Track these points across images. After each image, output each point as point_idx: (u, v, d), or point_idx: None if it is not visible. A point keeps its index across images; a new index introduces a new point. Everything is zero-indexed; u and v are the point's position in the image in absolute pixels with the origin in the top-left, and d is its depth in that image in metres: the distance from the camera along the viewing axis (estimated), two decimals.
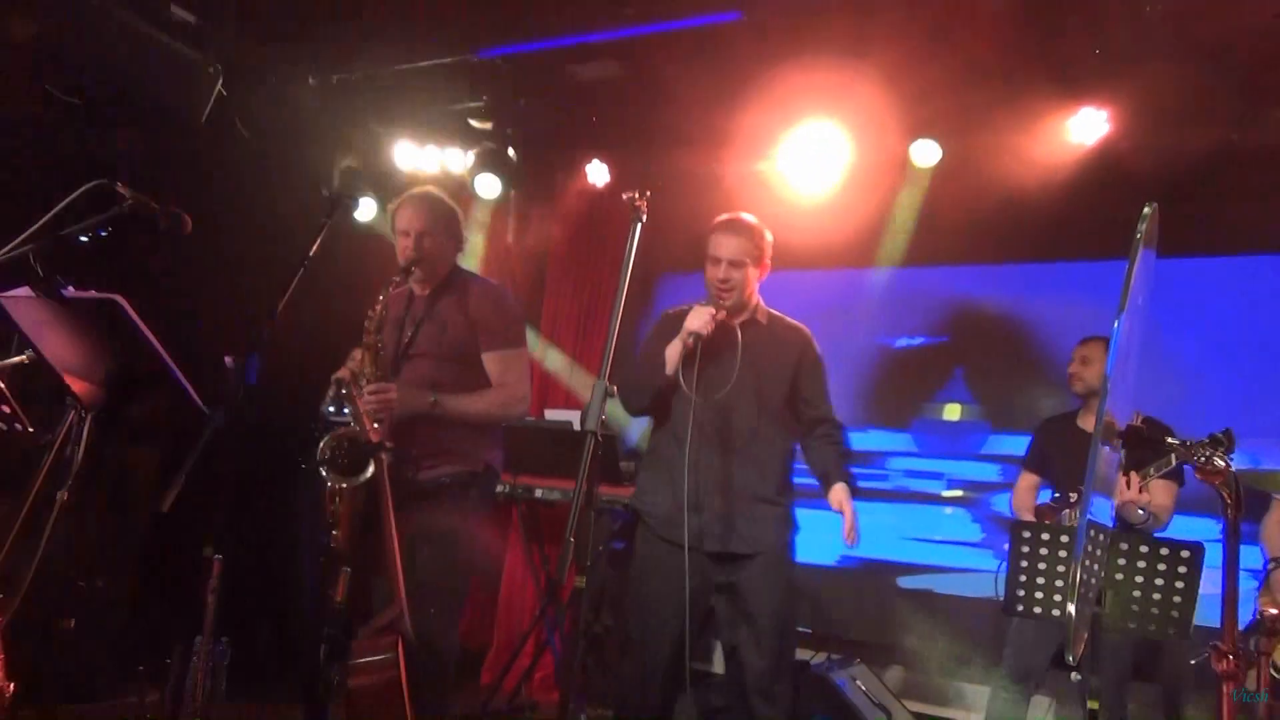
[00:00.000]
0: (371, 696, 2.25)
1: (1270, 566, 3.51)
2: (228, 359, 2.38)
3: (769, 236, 3.12)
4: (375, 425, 2.58)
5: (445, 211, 3.10)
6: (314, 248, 2.49)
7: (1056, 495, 3.89)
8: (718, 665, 5.39)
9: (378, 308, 2.87)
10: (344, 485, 2.60)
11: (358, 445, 2.63)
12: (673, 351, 2.95)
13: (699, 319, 2.94)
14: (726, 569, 2.94)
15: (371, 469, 2.65)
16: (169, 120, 4.47)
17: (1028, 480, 4.07)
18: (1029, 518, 3.88)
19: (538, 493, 4.59)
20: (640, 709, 2.88)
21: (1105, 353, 3.86)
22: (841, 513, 2.94)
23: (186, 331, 2.91)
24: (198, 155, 4.62)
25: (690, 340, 2.91)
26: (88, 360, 2.33)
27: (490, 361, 2.96)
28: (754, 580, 2.93)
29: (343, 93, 5.15)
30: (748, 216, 3.15)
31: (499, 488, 4.34)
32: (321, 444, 2.63)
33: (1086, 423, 3.92)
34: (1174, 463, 3.35)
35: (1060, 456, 3.93)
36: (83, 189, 2.39)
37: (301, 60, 4.98)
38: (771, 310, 3.19)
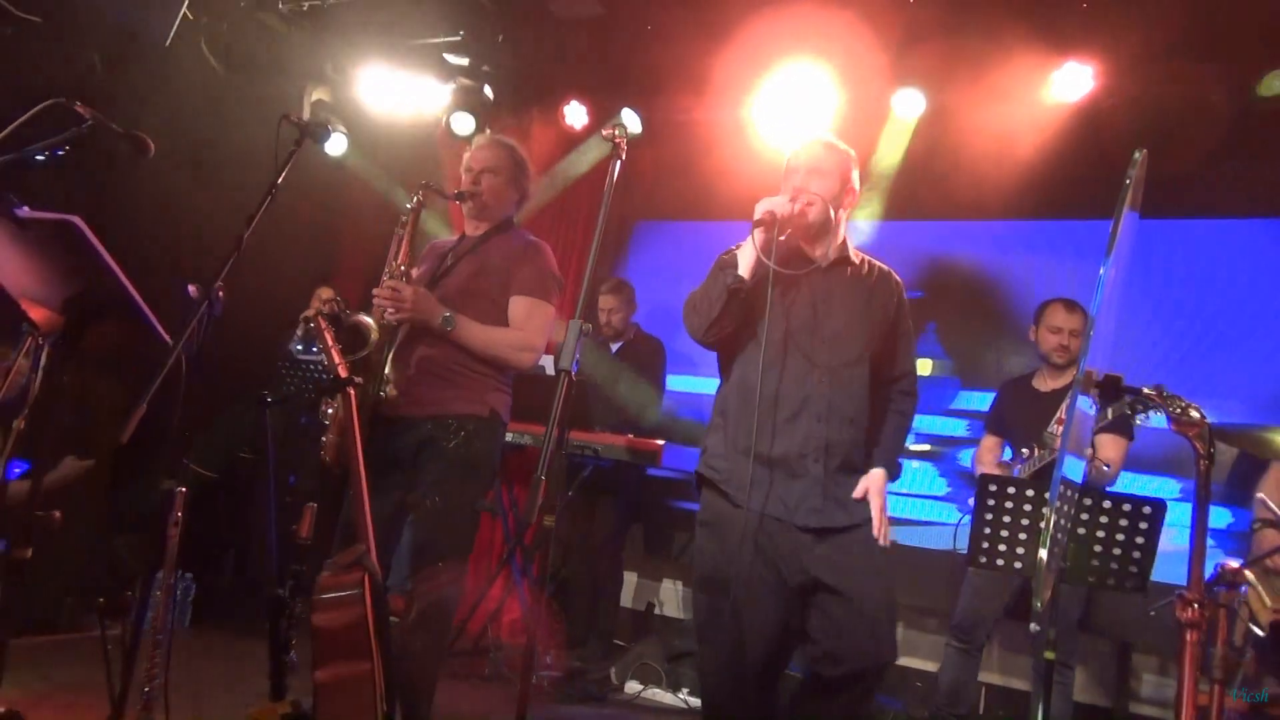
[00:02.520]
0: (335, 634, 2.23)
1: (1257, 526, 3.56)
2: (191, 288, 2.31)
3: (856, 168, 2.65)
4: (342, 360, 2.53)
5: (513, 159, 3.08)
6: (281, 176, 2.41)
7: (1014, 454, 3.97)
8: (671, 609, 5.46)
9: (416, 201, 2.88)
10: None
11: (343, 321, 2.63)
12: (746, 251, 2.44)
13: (775, 200, 2.42)
14: (823, 545, 2.44)
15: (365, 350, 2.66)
16: (132, 42, 4.30)
17: (990, 441, 4.15)
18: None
19: (509, 437, 4.56)
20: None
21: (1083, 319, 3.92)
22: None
23: (150, 259, 2.83)
24: (162, 79, 4.46)
25: (767, 218, 2.37)
26: (45, 285, 2.25)
27: (515, 304, 2.90)
28: (855, 553, 2.43)
29: (313, 21, 5.00)
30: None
31: None
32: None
33: (1042, 383, 4.00)
34: (1110, 416, 3.39)
35: (1016, 416, 4.02)
36: (39, 107, 2.29)
37: None
38: (882, 265, 2.70)
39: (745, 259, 2.44)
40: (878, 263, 2.69)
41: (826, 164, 2.55)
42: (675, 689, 4.18)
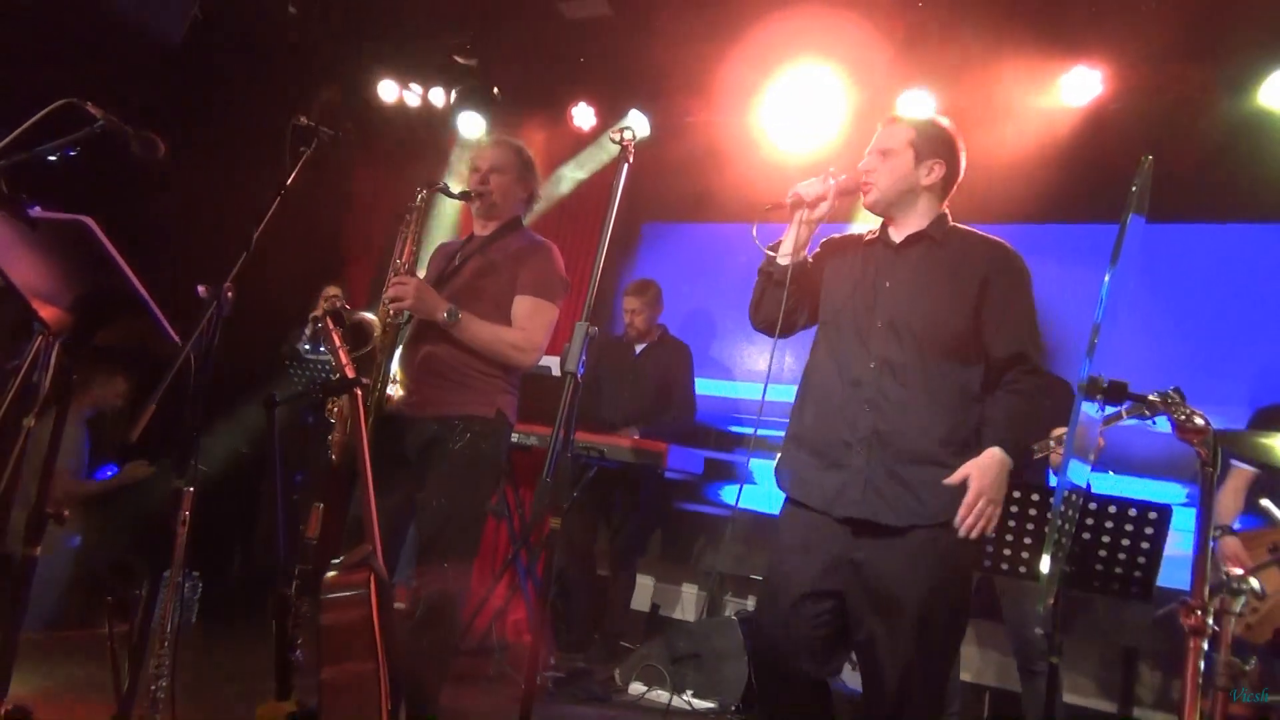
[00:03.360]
0: (342, 633, 2.25)
1: (1216, 534, 3.57)
2: (201, 288, 2.32)
3: (950, 131, 2.44)
4: (349, 360, 2.54)
5: (521, 159, 3.08)
6: (291, 177, 2.42)
7: None
8: (676, 611, 5.47)
9: (420, 200, 2.89)
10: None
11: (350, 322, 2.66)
12: (786, 236, 2.41)
13: (806, 181, 2.38)
14: (866, 543, 2.25)
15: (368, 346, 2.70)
16: (143, 41, 4.33)
17: None
18: None
19: (514, 438, 4.57)
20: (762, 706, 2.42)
21: None
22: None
23: (159, 259, 2.85)
24: (173, 78, 4.49)
25: (794, 199, 2.36)
26: (55, 284, 2.27)
27: (519, 304, 2.90)
28: (899, 559, 2.20)
29: (324, 20, 5.01)
30: (941, 117, 2.50)
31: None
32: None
33: None
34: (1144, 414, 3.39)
35: None
36: (51, 107, 2.31)
37: None
38: (963, 227, 2.45)
39: (785, 244, 2.41)
40: (977, 235, 2.43)
41: (892, 141, 2.40)
42: (680, 691, 4.18)
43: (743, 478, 5.33)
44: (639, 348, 5.06)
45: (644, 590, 5.40)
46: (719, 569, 5.15)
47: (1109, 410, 3.41)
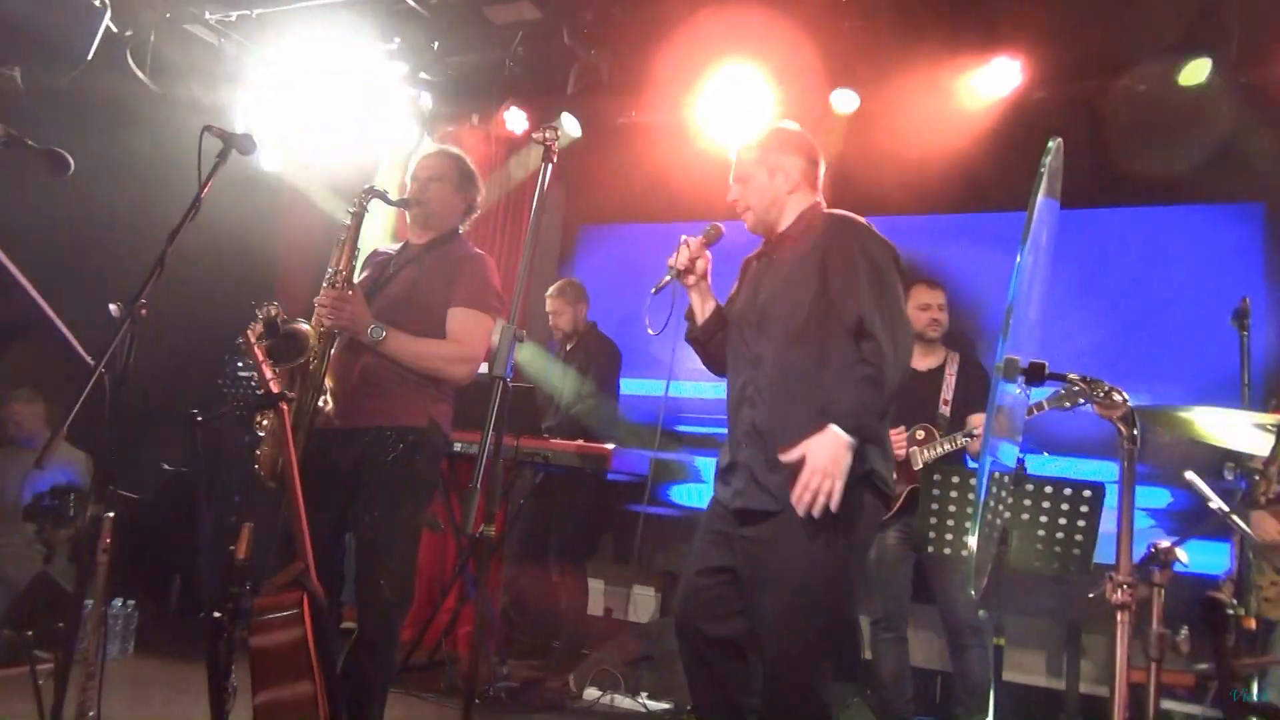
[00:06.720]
0: (275, 655, 2.18)
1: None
2: (113, 306, 2.24)
3: (791, 132, 2.62)
4: (274, 375, 2.47)
5: (461, 170, 3.04)
6: (204, 189, 2.35)
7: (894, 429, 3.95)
8: (629, 613, 5.45)
9: (357, 206, 2.83)
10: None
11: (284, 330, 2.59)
12: (692, 304, 2.65)
13: (673, 255, 2.59)
14: (746, 528, 2.40)
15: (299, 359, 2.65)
16: (52, 56, 4.19)
17: None
18: None
19: (457, 446, 4.51)
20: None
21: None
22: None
23: (72, 278, 2.75)
24: (83, 94, 4.35)
25: (668, 279, 2.58)
26: None
27: (453, 316, 2.85)
28: (771, 539, 2.32)
29: (243, 31, 4.90)
30: (782, 123, 2.69)
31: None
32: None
33: (918, 361, 3.90)
34: (1064, 406, 3.42)
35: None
36: None
37: None
38: (826, 212, 2.56)
39: (694, 309, 2.64)
40: (827, 215, 2.53)
41: (744, 167, 2.60)
42: (634, 693, 4.16)
43: (691, 476, 5.33)
44: (568, 346, 5.06)
45: (595, 594, 5.36)
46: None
47: (1032, 399, 3.47)
